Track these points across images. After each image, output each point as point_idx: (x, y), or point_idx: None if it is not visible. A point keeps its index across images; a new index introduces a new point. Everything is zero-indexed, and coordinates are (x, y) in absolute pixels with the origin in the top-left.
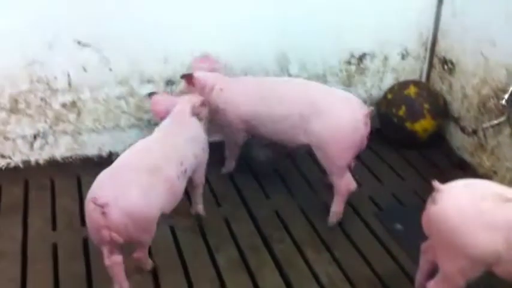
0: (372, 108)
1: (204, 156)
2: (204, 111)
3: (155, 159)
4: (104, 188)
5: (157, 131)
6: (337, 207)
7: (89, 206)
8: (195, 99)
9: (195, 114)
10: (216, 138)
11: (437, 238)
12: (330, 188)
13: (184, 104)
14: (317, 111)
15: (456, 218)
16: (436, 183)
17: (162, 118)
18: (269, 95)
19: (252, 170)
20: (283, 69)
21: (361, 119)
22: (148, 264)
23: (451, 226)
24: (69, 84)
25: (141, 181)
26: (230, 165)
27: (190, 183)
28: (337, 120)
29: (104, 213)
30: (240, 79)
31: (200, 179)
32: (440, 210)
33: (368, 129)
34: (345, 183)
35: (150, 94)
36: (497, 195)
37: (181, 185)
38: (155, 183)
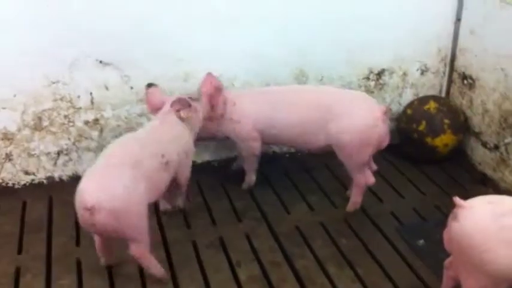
0: (388, 105)
1: (186, 158)
2: (193, 115)
3: (137, 154)
4: (89, 189)
5: (143, 128)
6: (355, 198)
7: (77, 205)
8: (183, 101)
9: (179, 117)
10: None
11: (458, 255)
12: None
13: (172, 104)
14: (335, 112)
15: (477, 235)
16: (457, 199)
17: (153, 111)
18: (286, 102)
19: (271, 184)
20: (300, 83)
21: (379, 117)
22: (157, 269)
23: (472, 243)
24: (92, 102)
25: (124, 178)
26: (251, 179)
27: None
28: (356, 120)
29: (92, 214)
30: (252, 91)
31: (184, 179)
32: (461, 227)
33: (386, 126)
34: (364, 178)
35: (149, 85)
36: None
37: (163, 177)
38: (138, 178)
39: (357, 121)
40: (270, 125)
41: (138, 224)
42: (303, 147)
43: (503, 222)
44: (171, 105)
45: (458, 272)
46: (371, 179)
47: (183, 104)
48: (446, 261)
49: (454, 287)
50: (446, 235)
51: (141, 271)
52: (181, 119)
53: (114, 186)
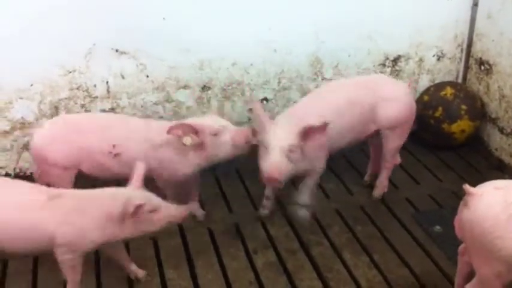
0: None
1: (162, 172)
2: (211, 142)
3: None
4: None
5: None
6: (385, 181)
7: None
8: (185, 128)
9: (181, 143)
10: None
11: (471, 242)
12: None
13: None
14: (383, 99)
15: (488, 222)
16: (467, 187)
17: None
18: (333, 108)
19: None
20: (317, 73)
21: (411, 93)
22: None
23: (484, 230)
24: (108, 91)
25: None
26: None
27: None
28: (403, 103)
29: None
30: (299, 109)
31: (164, 187)
32: (472, 215)
33: None
34: (395, 158)
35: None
36: None
37: (109, 163)
38: None
39: (404, 100)
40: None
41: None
42: (355, 139)
43: None
44: (168, 131)
45: (471, 258)
46: (398, 159)
47: (184, 130)
48: (461, 247)
49: (469, 273)
50: (457, 223)
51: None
52: (184, 145)
53: None
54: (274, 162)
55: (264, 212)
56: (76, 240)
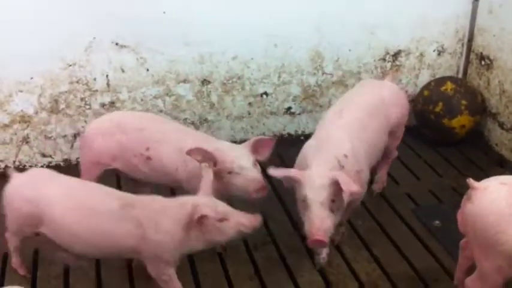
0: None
1: (188, 187)
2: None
3: None
4: None
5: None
6: (385, 176)
7: None
8: (201, 152)
9: (190, 155)
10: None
11: (473, 236)
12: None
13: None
14: (391, 105)
15: (491, 217)
16: (471, 181)
17: None
18: (356, 124)
19: (287, 167)
20: (318, 68)
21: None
22: None
23: (487, 225)
24: (108, 84)
25: None
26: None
27: None
28: (406, 105)
29: None
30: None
31: None
32: (475, 209)
33: None
34: (394, 153)
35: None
36: None
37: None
38: None
39: (405, 102)
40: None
41: None
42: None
43: None
44: (187, 151)
45: (473, 252)
46: (396, 153)
47: (204, 156)
48: (462, 242)
49: (470, 267)
50: (460, 216)
51: None
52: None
53: None
54: (318, 224)
55: (320, 257)
56: (156, 256)
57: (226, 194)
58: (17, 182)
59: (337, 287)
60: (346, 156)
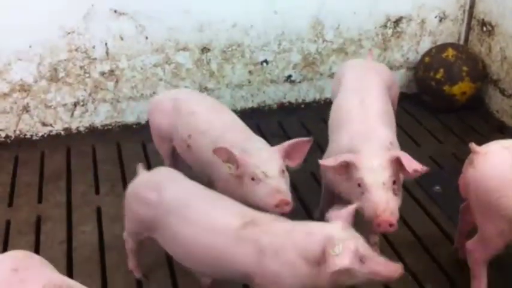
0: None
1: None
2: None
3: None
4: None
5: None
6: None
7: None
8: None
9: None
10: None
11: (475, 201)
12: None
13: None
14: (393, 84)
15: (494, 180)
16: (473, 145)
17: None
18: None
19: (287, 134)
20: (318, 35)
21: None
22: None
23: (489, 188)
24: (107, 53)
25: None
26: None
27: None
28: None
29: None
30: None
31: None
32: (477, 173)
33: None
34: None
35: None
36: None
37: (184, 151)
38: None
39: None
40: None
41: None
42: None
43: None
44: (214, 150)
45: (474, 217)
46: None
47: (229, 158)
48: (462, 206)
49: (469, 231)
50: (462, 181)
51: None
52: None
53: None
54: (385, 204)
55: None
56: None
57: (245, 202)
58: (139, 182)
59: None
60: (391, 143)
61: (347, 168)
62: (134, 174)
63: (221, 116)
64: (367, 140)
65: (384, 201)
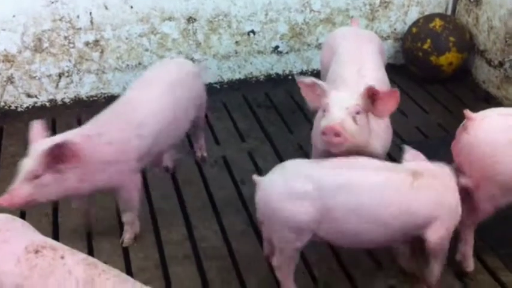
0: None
1: None
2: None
3: None
4: None
5: None
6: None
7: None
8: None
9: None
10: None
11: (468, 165)
12: None
13: None
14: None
15: (488, 146)
16: (467, 112)
17: None
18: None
19: (274, 105)
20: (305, 5)
21: None
22: None
23: (483, 154)
24: (92, 22)
25: None
26: None
27: None
28: None
29: None
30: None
31: None
32: (471, 139)
33: None
34: None
35: None
36: None
37: None
38: None
39: None
40: None
41: None
42: None
43: None
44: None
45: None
46: None
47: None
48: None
49: None
50: (455, 147)
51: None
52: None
53: None
54: (337, 117)
55: None
56: (450, 220)
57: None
58: (278, 185)
59: None
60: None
61: (321, 98)
62: None
63: None
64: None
65: (337, 116)
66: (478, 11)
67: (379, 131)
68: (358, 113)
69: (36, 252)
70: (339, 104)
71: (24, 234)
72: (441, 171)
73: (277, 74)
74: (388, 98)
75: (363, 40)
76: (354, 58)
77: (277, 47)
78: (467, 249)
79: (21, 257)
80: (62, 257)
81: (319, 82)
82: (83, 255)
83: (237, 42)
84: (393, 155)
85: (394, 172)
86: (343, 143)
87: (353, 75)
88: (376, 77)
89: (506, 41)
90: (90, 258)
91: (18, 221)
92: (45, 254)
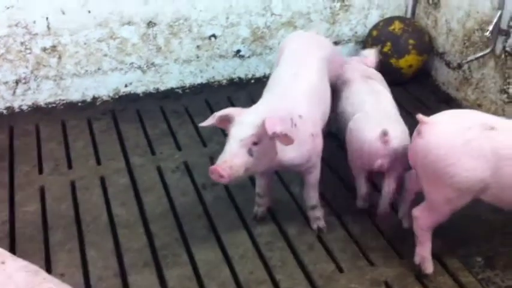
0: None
1: None
2: None
3: None
4: None
5: None
6: None
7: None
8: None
9: None
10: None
11: (423, 170)
12: None
13: None
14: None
15: (442, 149)
16: (420, 116)
17: None
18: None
19: None
20: (266, 9)
21: None
22: None
23: (437, 157)
24: (48, 27)
25: None
26: None
27: None
28: None
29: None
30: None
31: None
32: (426, 142)
33: None
34: None
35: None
36: (482, 124)
37: None
38: None
39: None
40: None
41: None
42: None
43: (468, 135)
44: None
45: (421, 186)
46: None
47: None
48: (407, 174)
49: (413, 200)
50: (411, 151)
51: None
52: None
53: None
54: (226, 156)
55: (260, 210)
56: None
57: None
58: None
59: (285, 220)
60: (301, 116)
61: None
62: (79, 152)
63: None
64: (273, 102)
65: (229, 152)
66: (437, 13)
67: (301, 140)
68: (255, 143)
69: None
70: (236, 136)
71: None
72: None
73: (239, 78)
74: (282, 138)
75: (309, 44)
76: (294, 61)
77: (239, 50)
78: (425, 251)
79: None
80: (3, 263)
81: (221, 112)
82: (24, 262)
83: (198, 46)
84: None
85: None
86: (228, 181)
87: (288, 77)
88: (310, 80)
89: (464, 43)
90: (32, 266)
91: None
92: None
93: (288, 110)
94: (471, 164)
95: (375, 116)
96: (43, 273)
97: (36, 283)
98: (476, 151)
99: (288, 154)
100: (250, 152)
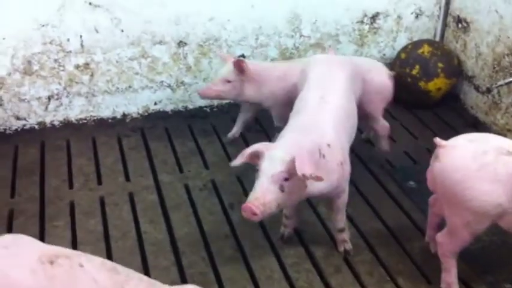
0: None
1: None
2: None
3: None
4: None
5: None
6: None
7: None
8: None
9: None
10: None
11: (442, 194)
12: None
13: None
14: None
15: (459, 173)
16: (437, 140)
17: None
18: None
19: (264, 130)
20: (295, 30)
21: None
22: None
23: (454, 181)
24: (82, 45)
25: None
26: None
27: None
28: None
29: None
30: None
31: None
32: (443, 166)
33: None
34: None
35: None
36: (499, 148)
37: None
38: None
39: None
40: None
41: None
42: None
43: (485, 160)
44: None
45: (442, 210)
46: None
47: None
48: (431, 199)
49: (439, 224)
50: (429, 175)
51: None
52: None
53: None
54: (257, 193)
55: (286, 231)
56: None
57: None
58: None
59: (311, 242)
60: (329, 145)
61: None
62: (109, 168)
63: None
64: (301, 132)
65: (260, 189)
66: (466, 37)
67: (329, 170)
68: (286, 179)
69: (51, 262)
70: (266, 172)
71: (34, 247)
72: None
73: None
74: (312, 179)
75: (333, 66)
76: (320, 84)
77: None
78: (451, 277)
79: (36, 269)
80: (81, 265)
81: (250, 149)
82: (99, 259)
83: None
84: (381, 179)
85: None
86: (261, 218)
87: (315, 100)
88: (338, 104)
89: (494, 68)
90: (108, 262)
91: (25, 236)
92: (61, 263)
93: (316, 141)
94: (487, 189)
95: None
96: (119, 268)
97: (120, 281)
98: (491, 176)
99: (318, 185)
100: (281, 188)
